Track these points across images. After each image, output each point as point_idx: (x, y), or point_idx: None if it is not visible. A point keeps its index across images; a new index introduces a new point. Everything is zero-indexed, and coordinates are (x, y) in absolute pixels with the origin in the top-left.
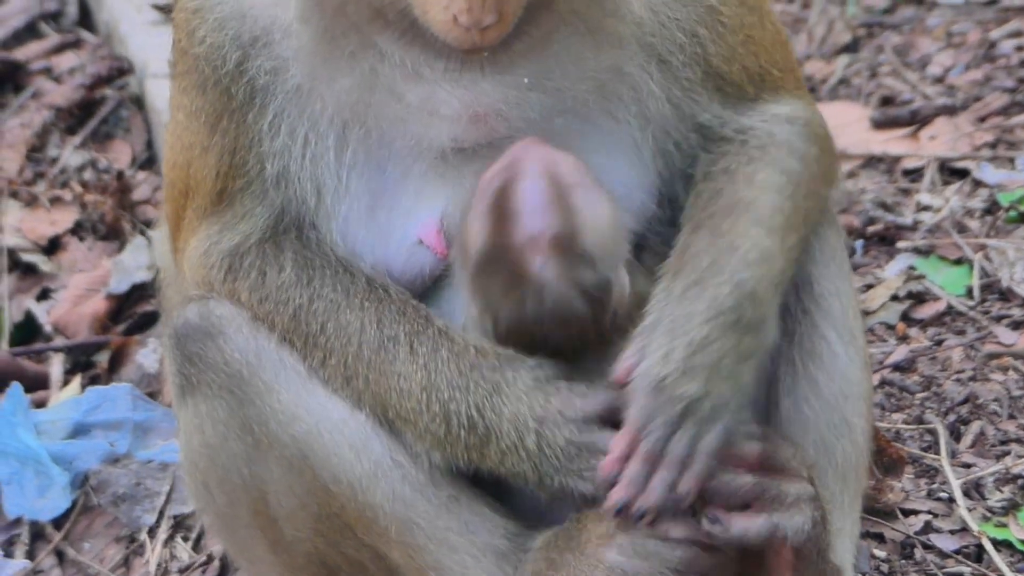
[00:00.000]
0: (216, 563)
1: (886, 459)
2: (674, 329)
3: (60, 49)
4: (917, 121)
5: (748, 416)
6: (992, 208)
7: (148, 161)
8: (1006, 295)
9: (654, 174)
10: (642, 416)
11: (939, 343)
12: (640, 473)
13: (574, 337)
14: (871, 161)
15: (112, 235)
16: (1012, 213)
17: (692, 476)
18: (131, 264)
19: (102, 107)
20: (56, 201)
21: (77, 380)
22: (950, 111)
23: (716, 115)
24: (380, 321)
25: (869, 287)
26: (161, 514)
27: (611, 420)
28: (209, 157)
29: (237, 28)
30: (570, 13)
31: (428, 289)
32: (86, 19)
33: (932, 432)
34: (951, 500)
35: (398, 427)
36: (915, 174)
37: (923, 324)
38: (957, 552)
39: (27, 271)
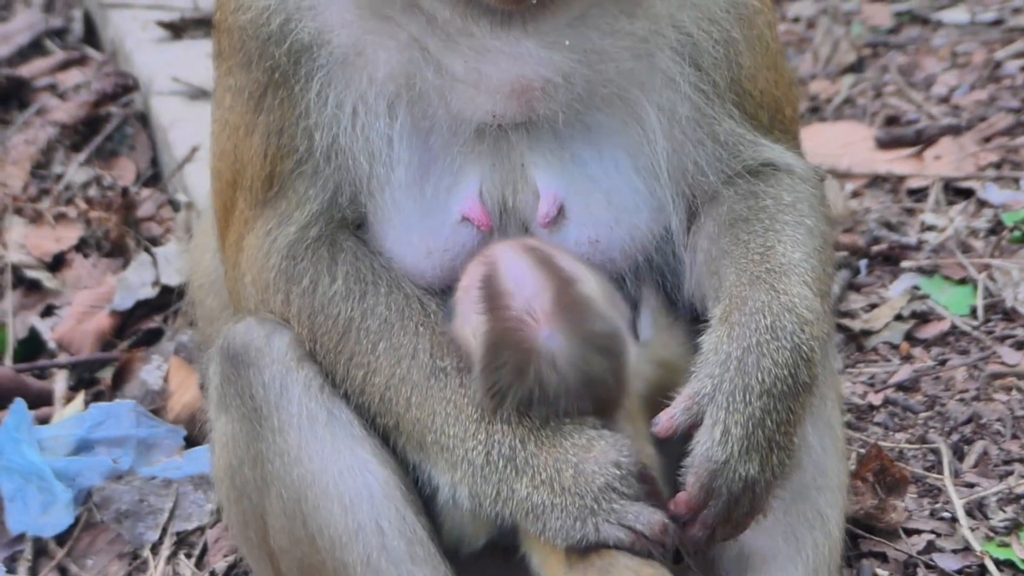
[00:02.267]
0: None
1: (889, 479)
2: (732, 403)
3: (65, 66)
4: (922, 141)
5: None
6: (996, 228)
7: (153, 178)
8: (1010, 315)
9: (667, 190)
10: (703, 493)
11: (943, 363)
12: (701, 539)
13: (600, 400)
14: (876, 181)
15: (116, 252)
16: (1017, 233)
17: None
18: (135, 281)
19: (107, 124)
20: (61, 218)
21: (81, 397)
22: (955, 131)
23: (732, 131)
24: (433, 349)
25: (873, 306)
26: (164, 531)
27: (648, 477)
28: (255, 137)
29: None
30: None
31: None
32: (91, 36)
33: (935, 452)
34: (954, 520)
35: (432, 454)
36: (920, 194)
37: (927, 344)
38: (960, 572)
39: (31, 287)
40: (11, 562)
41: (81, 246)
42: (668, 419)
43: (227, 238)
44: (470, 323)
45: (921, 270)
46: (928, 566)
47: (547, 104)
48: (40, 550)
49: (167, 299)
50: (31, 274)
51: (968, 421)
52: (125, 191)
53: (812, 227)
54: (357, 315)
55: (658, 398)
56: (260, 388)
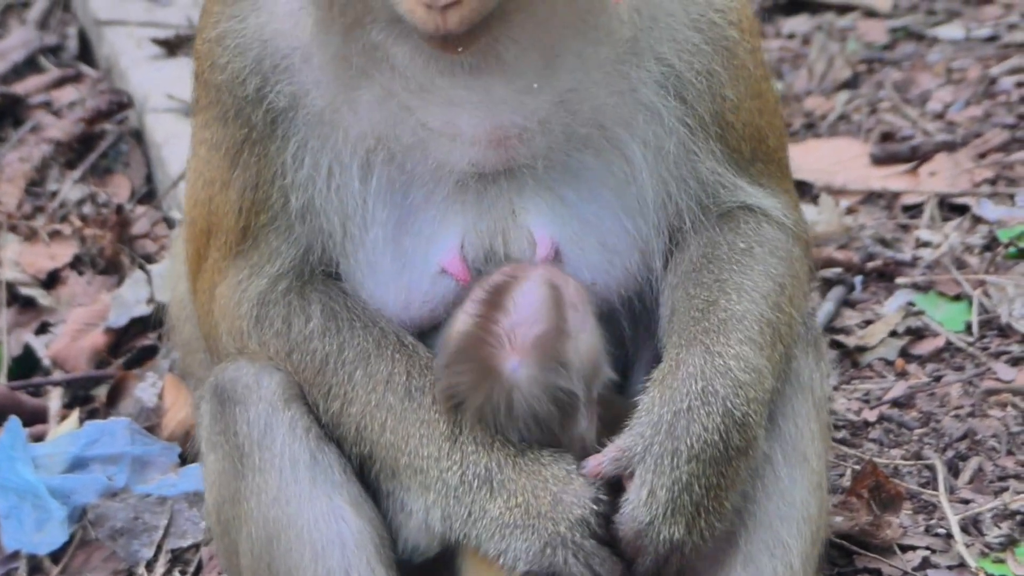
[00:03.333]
0: None
1: (884, 495)
2: (660, 466)
3: (60, 83)
4: (917, 157)
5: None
6: (991, 244)
7: (147, 195)
8: (1005, 331)
9: (652, 229)
10: (630, 550)
11: (938, 379)
12: None
13: (536, 440)
14: (871, 197)
15: (111, 269)
16: (1012, 249)
17: None
18: (130, 298)
19: (102, 141)
20: (55, 235)
21: (75, 414)
22: (950, 147)
23: (713, 170)
24: (409, 372)
25: (868, 323)
26: (159, 548)
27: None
28: (231, 192)
29: (258, 53)
30: (565, 15)
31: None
32: (86, 53)
33: (930, 468)
34: (949, 536)
35: (405, 479)
36: (914, 210)
37: (922, 360)
38: None
39: (26, 305)
40: None
41: (76, 263)
42: (596, 464)
43: (199, 283)
44: (458, 317)
45: (916, 286)
46: None
47: (527, 151)
48: (35, 567)
49: (162, 316)
50: (26, 291)
51: (963, 437)
52: (120, 208)
53: (766, 271)
54: (334, 349)
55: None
56: (244, 426)
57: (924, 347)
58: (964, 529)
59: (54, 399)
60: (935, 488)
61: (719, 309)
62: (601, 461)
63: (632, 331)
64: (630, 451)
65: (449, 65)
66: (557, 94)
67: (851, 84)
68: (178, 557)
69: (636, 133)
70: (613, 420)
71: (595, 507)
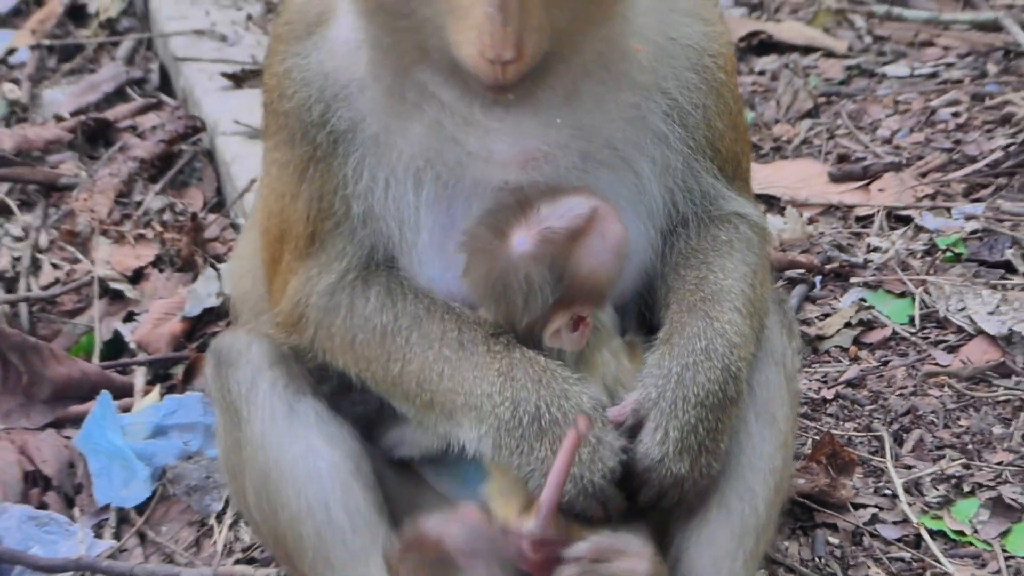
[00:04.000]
0: None
1: (839, 461)
2: (672, 410)
3: (144, 110)
4: (868, 176)
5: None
6: (931, 250)
7: (217, 205)
8: (942, 323)
9: (658, 232)
10: (638, 482)
11: (885, 363)
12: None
13: (509, 313)
14: (829, 209)
15: (187, 267)
16: (948, 254)
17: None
18: (203, 292)
19: (179, 159)
20: (140, 238)
21: (157, 389)
22: (896, 168)
23: (711, 184)
24: (460, 328)
25: (826, 316)
26: (227, 503)
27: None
28: (299, 203)
29: (321, 84)
30: (593, 63)
31: None
32: (166, 85)
33: (879, 439)
34: (894, 496)
35: (460, 416)
36: (866, 220)
37: (872, 347)
38: (899, 540)
39: (115, 297)
40: (98, 528)
41: (157, 262)
42: (619, 411)
43: (274, 283)
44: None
45: (867, 285)
46: (872, 535)
47: (550, 169)
48: (122, 519)
49: (228, 308)
50: (115, 286)
51: (906, 413)
52: (194, 216)
53: (743, 259)
54: (391, 319)
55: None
56: (235, 384)
57: (873, 336)
58: (907, 491)
59: (138, 377)
60: (883, 456)
61: (710, 283)
62: (623, 410)
63: (642, 319)
64: (646, 399)
65: (489, 103)
66: (577, 126)
67: (813, 114)
68: None
69: (645, 153)
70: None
71: (623, 456)
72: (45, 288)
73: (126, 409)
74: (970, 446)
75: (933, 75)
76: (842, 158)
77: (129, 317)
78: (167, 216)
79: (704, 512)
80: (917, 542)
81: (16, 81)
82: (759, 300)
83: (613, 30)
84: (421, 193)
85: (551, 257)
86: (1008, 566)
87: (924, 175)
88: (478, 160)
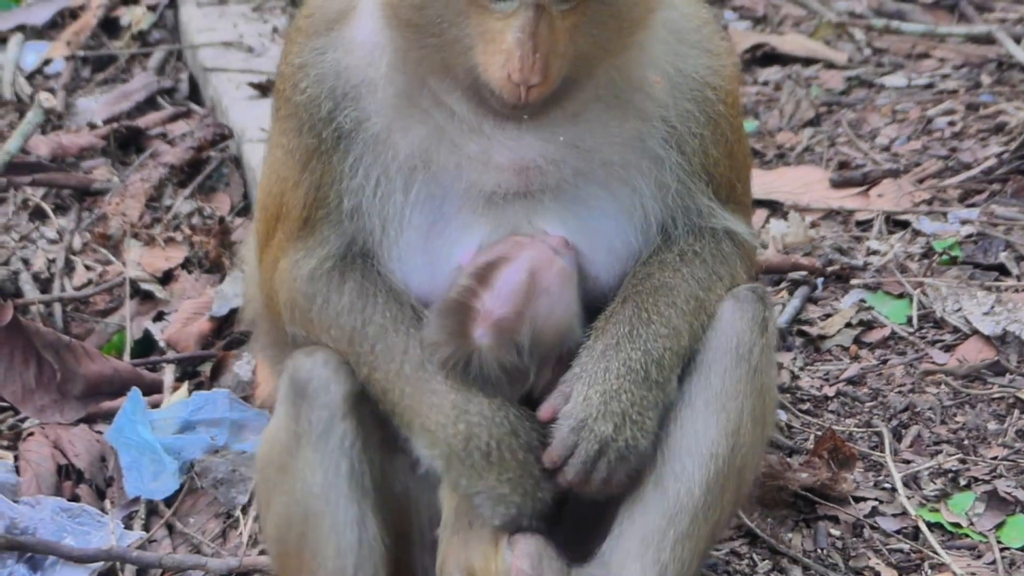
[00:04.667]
0: None
1: (840, 456)
2: (593, 380)
3: (174, 118)
4: (868, 182)
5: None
6: (928, 253)
7: (244, 209)
8: (939, 324)
9: (649, 242)
10: (563, 447)
11: (884, 362)
12: (565, 489)
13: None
14: (830, 214)
15: (214, 269)
16: (945, 257)
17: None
18: (230, 292)
19: (207, 165)
20: (169, 241)
21: (185, 386)
22: (894, 174)
23: (705, 203)
24: (423, 347)
25: (828, 316)
26: (252, 495)
27: None
28: (299, 190)
29: (332, 83)
30: (603, 89)
31: None
32: (195, 94)
33: (878, 434)
34: (893, 490)
35: (418, 434)
36: (866, 225)
37: (871, 346)
38: (898, 532)
39: (145, 297)
40: (128, 520)
41: (186, 264)
42: (548, 405)
43: (265, 255)
44: (456, 282)
45: (867, 286)
46: (872, 527)
47: (543, 180)
48: (152, 511)
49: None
50: (145, 287)
51: (905, 409)
52: (222, 220)
53: (705, 265)
54: (359, 323)
55: None
56: (307, 423)
57: (873, 336)
58: (906, 484)
59: (168, 374)
60: (882, 450)
61: (653, 280)
62: (551, 401)
63: None
64: (572, 376)
65: (500, 117)
66: (576, 145)
67: (814, 122)
68: None
69: (643, 173)
70: None
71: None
72: (78, 288)
73: (155, 405)
74: (966, 441)
75: (930, 86)
76: (842, 165)
77: (159, 316)
78: (196, 220)
79: (639, 492)
80: (915, 534)
81: (52, 90)
82: (710, 302)
83: (629, 59)
84: (410, 193)
85: (510, 339)
86: (1003, 557)
87: (921, 181)
88: (476, 164)
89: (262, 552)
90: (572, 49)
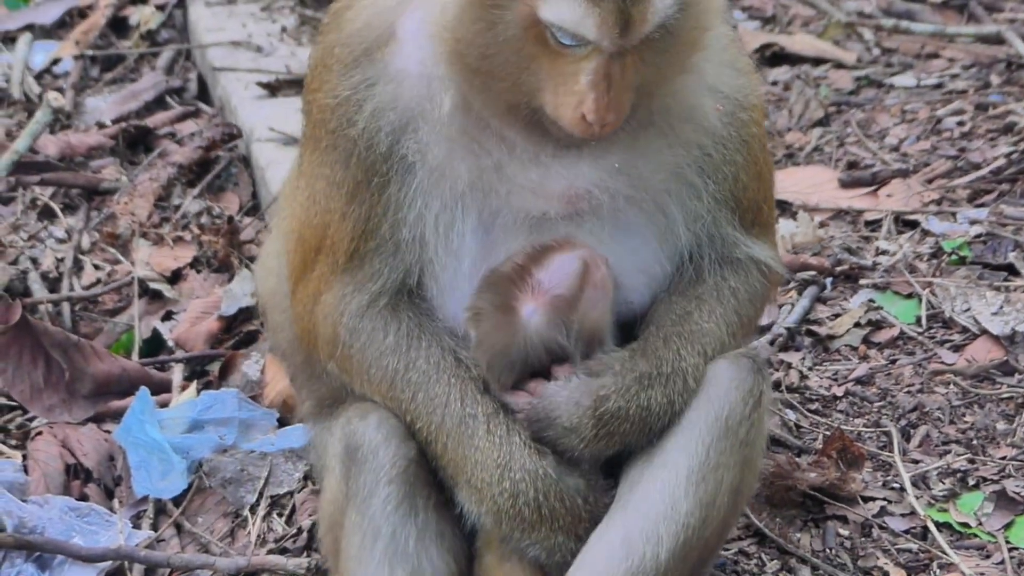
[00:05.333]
0: (304, 535)
1: (849, 456)
2: (622, 382)
3: (182, 118)
4: (877, 182)
5: None
6: (937, 253)
7: (253, 208)
8: (948, 324)
9: (679, 266)
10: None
11: (893, 362)
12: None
13: (530, 371)
14: (839, 214)
15: (223, 268)
16: (954, 257)
17: None
18: (239, 292)
19: (216, 165)
20: (178, 240)
21: (194, 385)
22: (904, 174)
23: (731, 232)
24: (463, 399)
25: (836, 316)
26: (260, 495)
27: None
28: (347, 222)
29: (391, 117)
30: (658, 115)
31: None
32: (204, 94)
33: (887, 434)
34: (902, 490)
35: (464, 490)
36: (875, 225)
37: (880, 346)
38: (907, 532)
39: (154, 297)
40: (136, 519)
41: (195, 263)
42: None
43: (301, 287)
44: (505, 261)
45: (875, 286)
46: (881, 527)
47: (591, 206)
48: (160, 510)
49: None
50: (154, 286)
51: (914, 409)
52: (230, 219)
53: (736, 308)
54: (401, 367)
55: None
56: (355, 485)
57: (882, 336)
58: (914, 484)
59: (176, 373)
60: (891, 450)
61: (693, 321)
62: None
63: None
64: (607, 366)
65: (556, 148)
66: (628, 172)
67: (823, 122)
68: (276, 502)
69: (678, 202)
70: None
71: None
72: (87, 288)
73: (164, 404)
74: (975, 441)
75: (939, 86)
76: (851, 165)
77: (167, 316)
78: (204, 219)
79: (607, 545)
80: (924, 534)
81: (60, 90)
82: (731, 346)
83: (687, 83)
84: (467, 220)
85: (561, 319)
86: (1012, 557)
87: (930, 181)
88: (527, 192)
89: (270, 551)
90: (638, 80)
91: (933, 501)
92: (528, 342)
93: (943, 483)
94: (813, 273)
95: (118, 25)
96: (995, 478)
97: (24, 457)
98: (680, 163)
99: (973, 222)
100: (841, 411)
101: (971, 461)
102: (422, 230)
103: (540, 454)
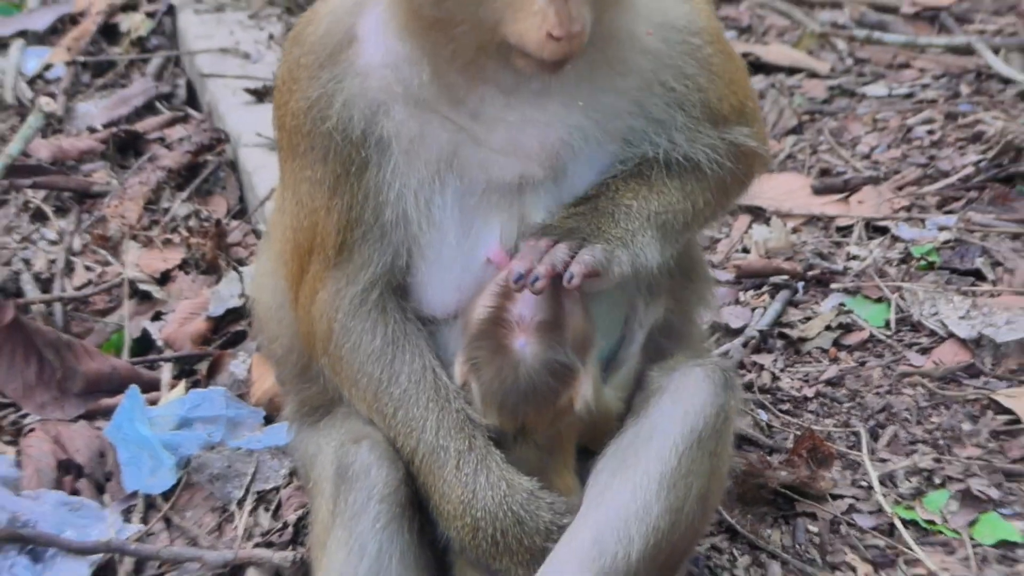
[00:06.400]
0: (290, 529)
1: (819, 455)
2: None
3: (171, 123)
4: (848, 189)
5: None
6: (907, 258)
7: (240, 212)
8: (916, 327)
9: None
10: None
11: (862, 364)
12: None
13: (536, 410)
14: (811, 220)
15: (211, 270)
16: (922, 263)
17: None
18: (226, 293)
19: (204, 169)
20: (167, 243)
21: (182, 384)
22: (874, 181)
23: (714, 138)
24: (439, 429)
25: (808, 319)
26: (247, 490)
27: None
28: (332, 215)
29: (362, 104)
30: (602, 46)
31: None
32: (192, 100)
33: (856, 434)
34: (870, 488)
35: (436, 512)
36: (846, 231)
37: (850, 349)
38: (874, 528)
39: (144, 298)
40: (127, 513)
41: (183, 265)
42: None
43: (301, 292)
44: (478, 305)
45: (846, 291)
46: (849, 524)
47: (567, 157)
48: (150, 504)
49: (250, 309)
50: (143, 287)
51: (882, 410)
52: (218, 222)
53: (726, 171)
54: (385, 378)
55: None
56: (343, 503)
57: (852, 338)
58: (882, 482)
59: (165, 372)
60: (859, 450)
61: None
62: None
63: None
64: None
65: (519, 95)
66: (593, 111)
67: (797, 130)
68: (262, 497)
69: (650, 138)
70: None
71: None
72: (78, 289)
73: (153, 402)
74: (941, 441)
75: (910, 95)
76: (824, 172)
77: (156, 316)
78: (192, 222)
79: (577, 541)
80: (891, 530)
81: (52, 95)
82: (706, 210)
83: (622, 14)
84: (445, 193)
85: (553, 339)
86: (976, 553)
87: (900, 188)
88: (499, 156)
89: (257, 545)
90: None
91: (900, 499)
92: (531, 371)
93: (910, 481)
94: (785, 277)
95: (109, 32)
96: (960, 477)
97: (17, 453)
98: (642, 99)
99: (942, 228)
100: (812, 411)
101: (937, 460)
102: (404, 208)
103: (509, 491)
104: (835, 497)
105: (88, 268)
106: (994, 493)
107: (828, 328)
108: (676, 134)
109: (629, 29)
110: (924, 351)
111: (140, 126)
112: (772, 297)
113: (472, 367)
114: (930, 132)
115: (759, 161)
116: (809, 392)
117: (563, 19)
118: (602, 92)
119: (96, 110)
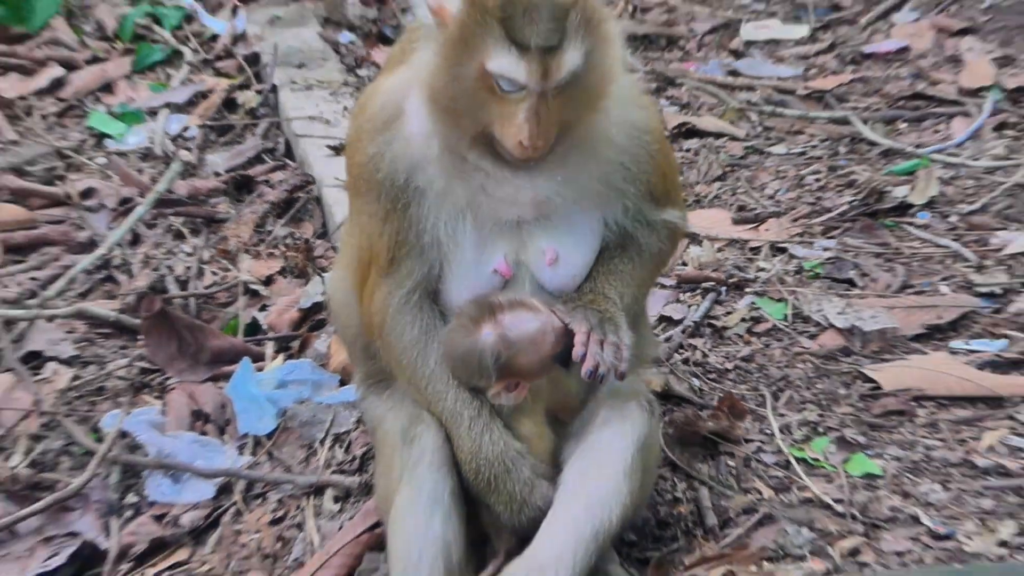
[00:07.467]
0: (357, 460)
1: (736, 410)
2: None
3: (274, 170)
4: (758, 220)
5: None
6: (800, 270)
7: (323, 234)
8: (807, 320)
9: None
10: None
11: (768, 346)
12: (597, 351)
13: (465, 376)
14: (732, 242)
15: (302, 275)
16: (811, 274)
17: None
18: (312, 292)
19: (297, 203)
20: (270, 255)
21: (281, 357)
22: (777, 215)
23: (651, 213)
24: (457, 399)
25: (728, 313)
26: (327, 433)
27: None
28: (384, 238)
29: (404, 163)
30: (579, 141)
31: None
32: (289, 153)
33: (762, 396)
34: (772, 435)
35: (457, 457)
36: (756, 250)
37: (759, 335)
38: (775, 464)
39: (253, 295)
40: (240, 449)
41: (282, 272)
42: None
43: (363, 294)
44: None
45: (757, 293)
46: (757, 461)
47: (549, 208)
48: (257, 443)
49: (328, 308)
50: (253, 287)
51: (782, 379)
52: (307, 241)
53: (653, 252)
54: (419, 361)
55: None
56: (407, 455)
57: (760, 328)
58: (781, 431)
59: (269, 348)
60: (765, 407)
61: (619, 269)
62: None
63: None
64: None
65: (516, 168)
66: (569, 183)
67: (721, 178)
68: (338, 438)
69: (609, 201)
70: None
71: (540, 507)
72: (207, 288)
73: (260, 369)
74: (823, 402)
75: (803, 153)
76: (741, 208)
77: (262, 308)
78: (288, 240)
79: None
80: (787, 465)
81: (189, 149)
82: (648, 279)
83: (596, 119)
84: (467, 225)
85: (500, 352)
86: (848, 482)
87: (796, 220)
88: (502, 203)
89: (334, 472)
90: (560, 117)
91: (794, 443)
92: (472, 352)
93: (801, 430)
94: (712, 283)
95: (229, 104)
96: (837, 428)
97: (163, 405)
98: (607, 175)
99: (825, 249)
100: (731, 379)
101: (821, 416)
102: (436, 235)
103: (504, 449)
104: (747, 441)
105: (214, 273)
106: (861, 440)
107: (743, 320)
108: (627, 201)
109: (602, 128)
110: (812, 337)
111: (251, 172)
112: (703, 297)
113: (456, 316)
114: (817, 180)
115: (681, 235)
116: (729, 365)
117: (532, 135)
118: (577, 170)
119: (220, 160)
